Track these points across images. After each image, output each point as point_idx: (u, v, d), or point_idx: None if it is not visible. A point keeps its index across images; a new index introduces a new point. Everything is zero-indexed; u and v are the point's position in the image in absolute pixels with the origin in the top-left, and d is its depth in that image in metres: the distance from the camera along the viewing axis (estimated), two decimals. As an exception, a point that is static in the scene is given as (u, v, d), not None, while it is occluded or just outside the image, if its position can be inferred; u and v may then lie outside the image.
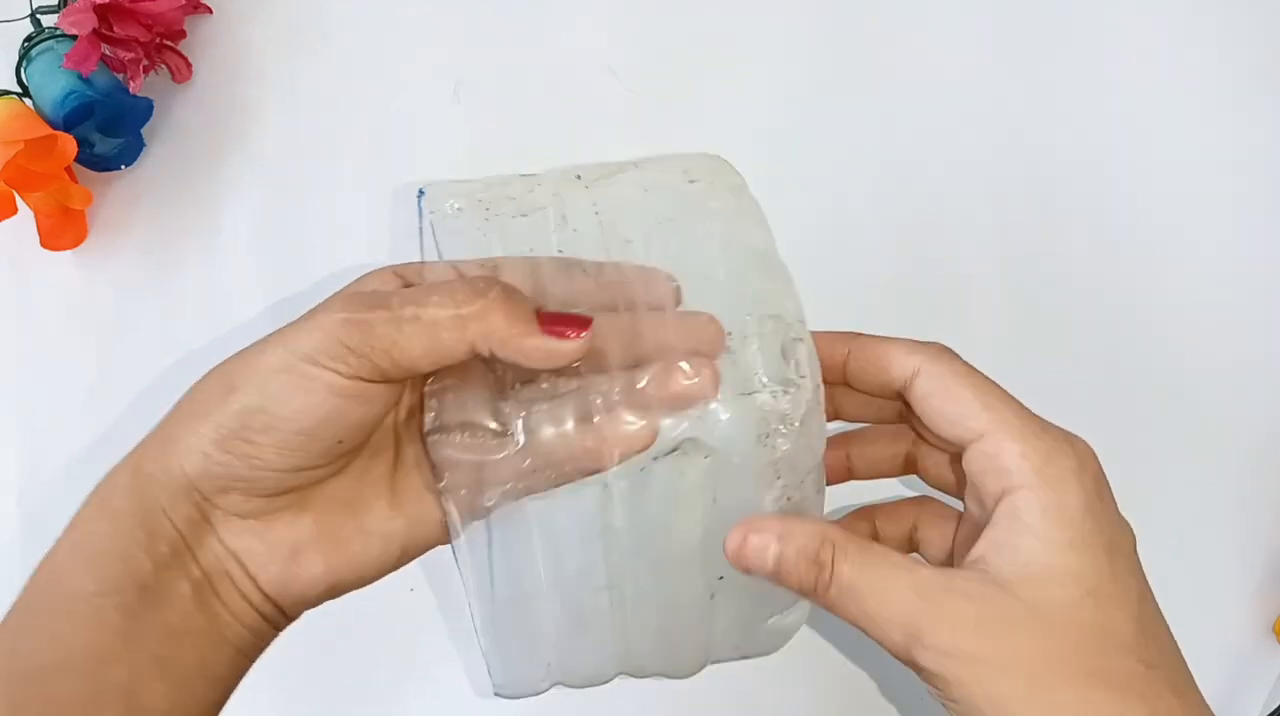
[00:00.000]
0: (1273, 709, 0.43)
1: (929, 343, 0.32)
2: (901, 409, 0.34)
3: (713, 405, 0.30)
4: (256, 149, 0.49)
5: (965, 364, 0.31)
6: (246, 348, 0.29)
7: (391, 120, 0.49)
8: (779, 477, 0.31)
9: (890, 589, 0.28)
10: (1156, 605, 0.29)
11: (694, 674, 0.34)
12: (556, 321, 0.28)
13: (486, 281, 0.28)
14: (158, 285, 0.48)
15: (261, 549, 0.29)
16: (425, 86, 0.49)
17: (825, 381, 0.32)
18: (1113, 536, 0.29)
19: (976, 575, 0.28)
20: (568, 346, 0.28)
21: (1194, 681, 0.28)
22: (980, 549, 0.29)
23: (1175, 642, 0.29)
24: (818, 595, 0.29)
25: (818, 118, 0.48)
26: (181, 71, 0.48)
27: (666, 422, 0.30)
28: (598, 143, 0.48)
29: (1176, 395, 0.46)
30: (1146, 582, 0.29)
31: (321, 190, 0.48)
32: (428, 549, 0.32)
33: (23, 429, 0.47)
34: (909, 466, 0.35)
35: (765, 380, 0.30)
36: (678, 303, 0.31)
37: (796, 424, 0.31)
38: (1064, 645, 0.27)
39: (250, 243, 0.48)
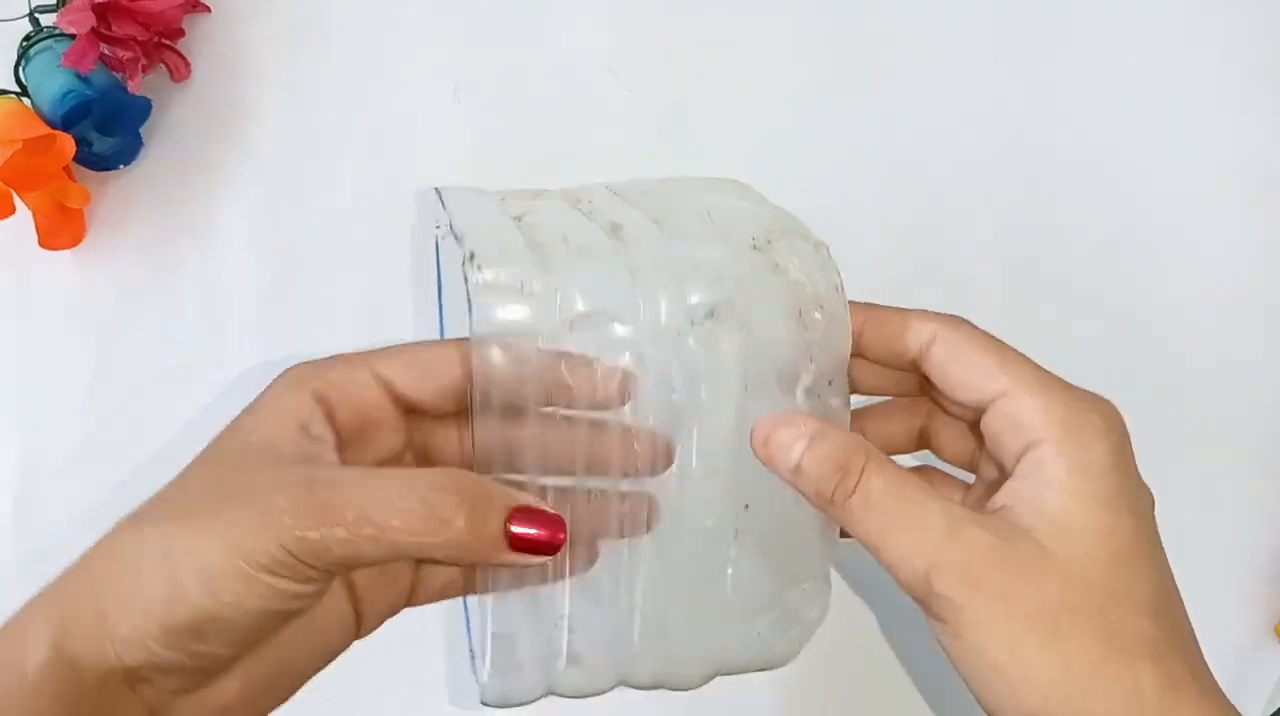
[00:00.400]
0: (1274, 709, 0.43)
1: (944, 313, 0.32)
2: (918, 381, 0.33)
3: (747, 274, 0.31)
4: (255, 148, 0.49)
5: (982, 330, 0.31)
6: (194, 516, 0.27)
7: (391, 120, 0.49)
8: (811, 361, 0.31)
9: (921, 512, 0.28)
10: (1174, 581, 0.29)
11: (699, 681, 0.34)
12: (528, 544, 0.28)
13: (451, 503, 0.27)
14: (156, 284, 0.47)
15: (194, 713, 0.28)
16: (425, 86, 0.48)
17: None
18: (1137, 498, 0.28)
19: (1009, 520, 0.28)
20: (540, 560, 0.28)
21: (1203, 656, 0.28)
22: (1002, 499, 0.28)
23: (1187, 615, 0.29)
24: (835, 503, 0.29)
25: (818, 118, 0.48)
26: (180, 70, 0.48)
27: (701, 289, 0.31)
28: (598, 143, 0.48)
29: (1176, 395, 0.46)
30: (1164, 553, 0.29)
31: (321, 190, 0.48)
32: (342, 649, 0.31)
33: (21, 428, 0.47)
34: (923, 441, 0.35)
35: (797, 263, 0.32)
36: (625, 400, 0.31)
37: (825, 307, 0.32)
38: (1085, 599, 0.27)
39: (249, 242, 0.48)
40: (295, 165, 0.48)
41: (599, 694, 0.33)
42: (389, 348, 0.31)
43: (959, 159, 0.48)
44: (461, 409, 0.32)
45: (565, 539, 0.28)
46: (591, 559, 0.32)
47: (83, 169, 0.48)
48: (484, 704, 0.33)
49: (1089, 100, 0.48)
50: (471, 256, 0.30)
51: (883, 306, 0.32)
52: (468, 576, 0.33)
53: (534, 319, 0.30)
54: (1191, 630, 0.28)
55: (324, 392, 0.30)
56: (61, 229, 0.47)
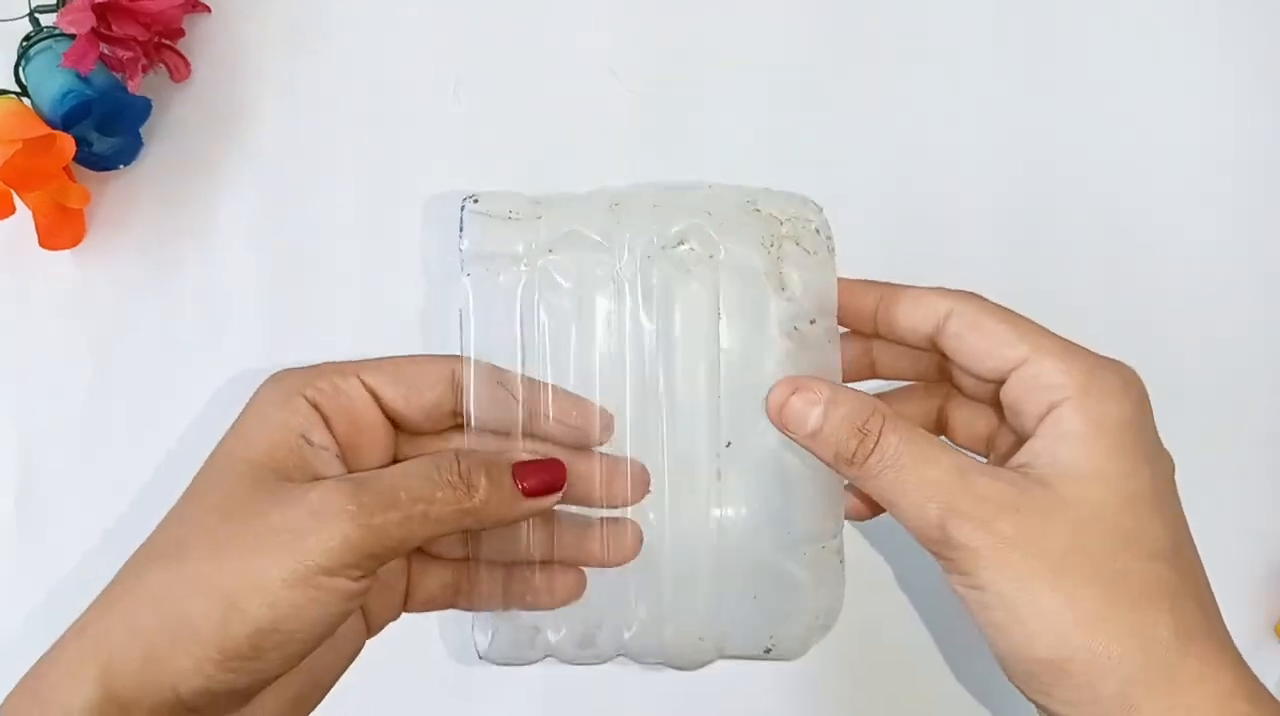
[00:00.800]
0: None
1: (958, 289, 0.32)
2: (936, 363, 0.34)
3: (725, 211, 0.33)
4: (255, 148, 0.49)
5: (995, 303, 0.31)
6: (227, 538, 0.27)
7: (391, 120, 0.49)
8: (785, 290, 0.32)
9: (933, 464, 0.28)
10: (1192, 537, 0.29)
11: (697, 657, 0.34)
12: (536, 487, 0.30)
13: (473, 470, 0.29)
14: (156, 284, 0.48)
15: None
16: (425, 86, 0.48)
17: (857, 331, 0.34)
18: (1156, 455, 0.29)
19: (1021, 469, 0.28)
20: (551, 500, 0.31)
21: (1219, 609, 0.28)
22: (1021, 457, 0.29)
23: (1204, 569, 0.28)
24: (854, 464, 0.29)
25: (819, 118, 0.48)
26: (180, 70, 0.48)
27: (679, 222, 0.32)
28: (598, 143, 0.48)
29: (1177, 395, 0.45)
30: (1183, 511, 0.29)
31: (320, 190, 0.48)
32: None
33: (20, 429, 0.47)
34: (940, 426, 0.35)
35: (778, 206, 0.33)
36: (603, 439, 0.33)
37: (802, 242, 0.33)
38: (1097, 542, 0.27)
39: (249, 242, 0.48)
40: (295, 165, 0.48)
41: (598, 663, 0.34)
42: (375, 359, 0.32)
43: (958, 159, 0.48)
44: (446, 427, 0.33)
45: (565, 473, 0.31)
46: (579, 588, 0.33)
47: (83, 169, 0.48)
48: (483, 659, 0.33)
49: (1089, 100, 0.48)
50: (471, 195, 0.33)
51: (897, 284, 0.33)
52: (454, 588, 0.34)
53: (518, 241, 0.31)
54: (1208, 583, 0.28)
55: (317, 401, 0.30)
56: (61, 229, 0.47)
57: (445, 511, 0.28)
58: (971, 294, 0.32)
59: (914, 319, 0.32)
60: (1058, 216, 0.47)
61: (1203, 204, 0.47)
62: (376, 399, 0.31)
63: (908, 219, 0.47)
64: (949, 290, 0.32)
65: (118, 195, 0.48)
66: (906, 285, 0.33)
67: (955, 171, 0.47)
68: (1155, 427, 0.29)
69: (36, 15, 0.47)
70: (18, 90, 0.46)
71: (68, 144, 0.44)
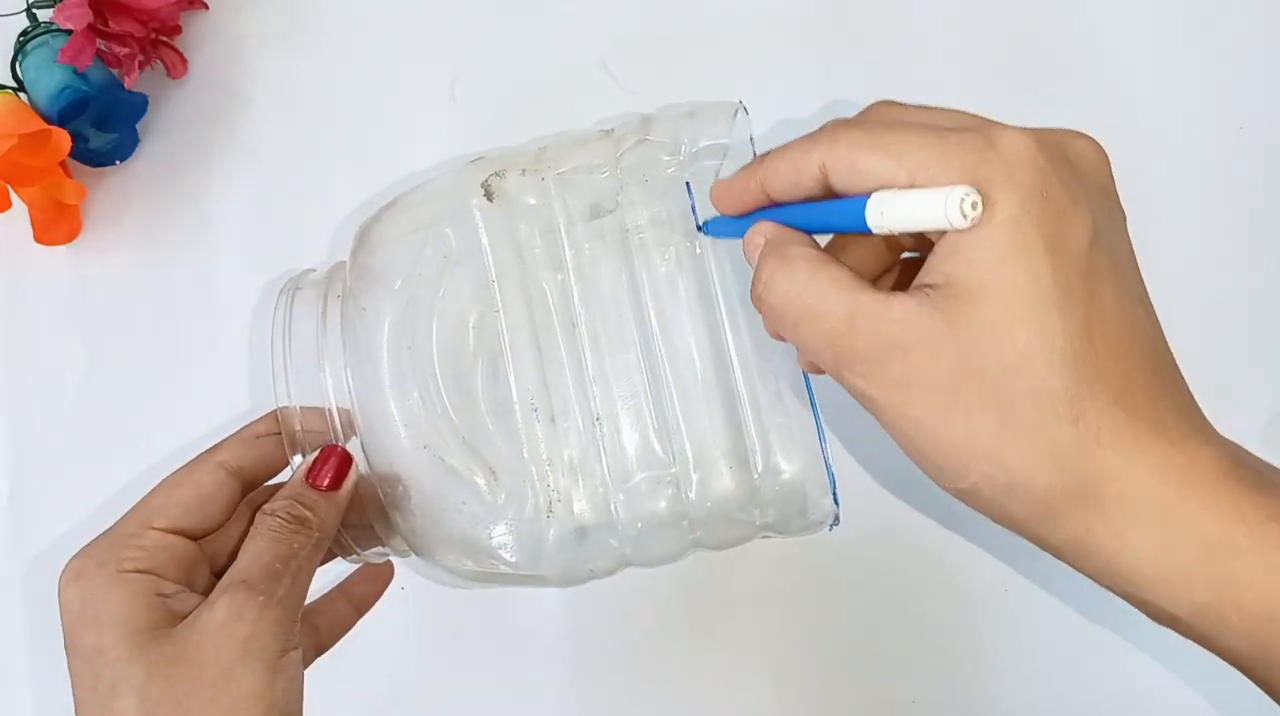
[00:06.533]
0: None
1: (829, 123, 0.29)
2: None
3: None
4: (251, 145, 0.49)
5: (859, 124, 0.28)
6: (188, 693, 0.28)
7: (387, 117, 0.49)
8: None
9: (822, 304, 0.27)
10: (1130, 307, 0.26)
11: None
12: (334, 478, 0.33)
13: (292, 510, 0.32)
14: (151, 280, 0.48)
15: None
16: (421, 83, 0.49)
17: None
18: (1057, 236, 0.25)
19: (913, 298, 0.26)
20: (353, 474, 0.33)
21: (1167, 393, 0.26)
22: (920, 276, 0.27)
23: (1145, 350, 0.26)
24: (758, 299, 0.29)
25: (815, 117, 0.48)
26: (177, 67, 0.48)
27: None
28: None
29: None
30: (1111, 282, 0.26)
31: (316, 187, 0.48)
32: None
33: (14, 424, 0.47)
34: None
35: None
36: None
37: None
38: (989, 365, 0.25)
39: (244, 238, 0.48)
40: (291, 162, 0.48)
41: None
42: (149, 498, 0.32)
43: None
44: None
45: (338, 448, 0.33)
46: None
47: (79, 164, 0.48)
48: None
49: (1086, 96, 0.48)
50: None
51: (777, 150, 0.30)
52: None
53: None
54: (1145, 361, 0.26)
55: (138, 568, 0.30)
56: (57, 224, 0.47)
57: (308, 551, 0.31)
58: (834, 129, 0.28)
59: (795, 193, 0.29)
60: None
61: (1203, 201, 0.47)
62: (181, 532, 0.32)
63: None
64: (820, 135, 0.28)
65: (113, 191, 0.48)
66: (785, 146, 0.29)
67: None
68: (1064, 195, 0.26)
69: (34, 10, 0.47)
70: (14, 86, 0.46)
71: (64, 139, 0.44)
